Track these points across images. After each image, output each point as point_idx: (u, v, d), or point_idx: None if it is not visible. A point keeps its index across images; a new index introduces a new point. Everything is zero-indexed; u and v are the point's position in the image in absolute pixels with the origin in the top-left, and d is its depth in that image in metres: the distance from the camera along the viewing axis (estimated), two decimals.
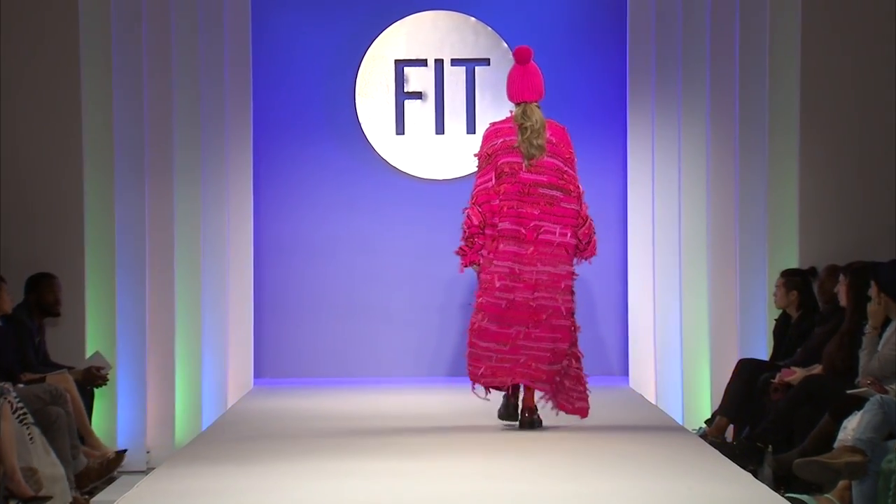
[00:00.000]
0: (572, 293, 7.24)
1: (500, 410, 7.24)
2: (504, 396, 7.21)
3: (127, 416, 8.43)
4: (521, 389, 7.17)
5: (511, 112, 7.32)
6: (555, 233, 7.19)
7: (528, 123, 7.22)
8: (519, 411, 7.16)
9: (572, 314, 7.23)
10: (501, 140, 7.28)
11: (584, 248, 7.29)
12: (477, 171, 7.34)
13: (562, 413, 7.12)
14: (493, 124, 7.41)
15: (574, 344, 7.20)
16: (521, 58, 7.31)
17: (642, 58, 9.48)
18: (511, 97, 7.32)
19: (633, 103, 9.63)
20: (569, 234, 7.21)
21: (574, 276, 7.26)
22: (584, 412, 7.13)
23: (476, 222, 7.21)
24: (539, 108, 7.28)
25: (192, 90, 8.94)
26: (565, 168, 7.27)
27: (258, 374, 9.88)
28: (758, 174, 8.55)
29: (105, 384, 7.55)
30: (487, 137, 7.35)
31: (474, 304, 7.19)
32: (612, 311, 10.18)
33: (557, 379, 7.15)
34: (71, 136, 8.15)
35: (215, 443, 6.74)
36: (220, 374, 9.17)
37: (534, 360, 7.09)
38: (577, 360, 7.21)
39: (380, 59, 10.20)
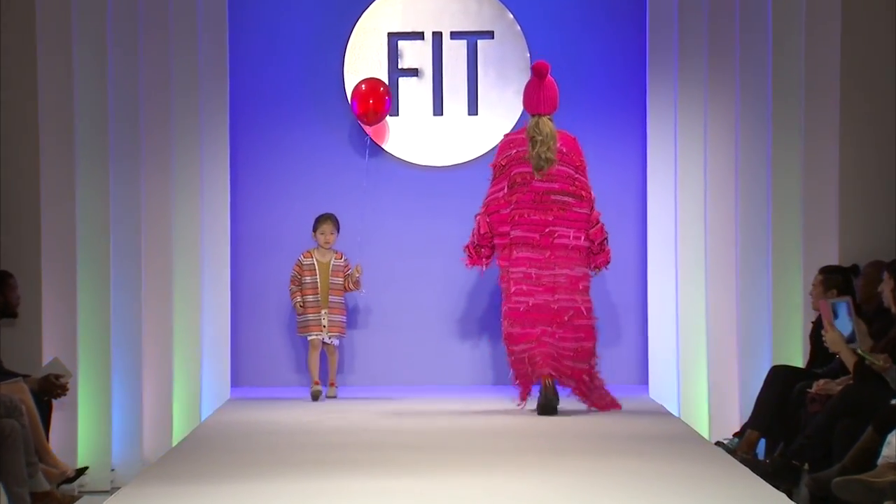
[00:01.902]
0: (589, 293, 8.56)
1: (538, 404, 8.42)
2: (540, 391, 8.42)
3: (89, 429, 8.42)
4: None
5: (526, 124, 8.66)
6: (569, 236, 8.50)
7: (540, 137, 8.51)
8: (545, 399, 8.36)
9: (592, 313, 8.53)
10: (515, 151, 8.59)
11: (596, 250, 8.51)
12: (491, 180, 8.69)
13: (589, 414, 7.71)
14: (506, 135, 8.82)
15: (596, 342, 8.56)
16: (539, 73, 8.62)
17: (664, 31, 9.47)
18: (527, 109, 8.70)
19: (653, 82, 9.62)
20: (582, 238, 8.52)
21: (590, 277, 8.60)
22: (617, 405, 8.57)
23: (482, 231, 8.61)
24: (551, 120, 8.60)
25: (161, 68, 8.92)
26: (576, 175, 8.57)
27: (235, 382, 9.92)
28: (792, 161, 8.53)
29: (64, 394, 7.54)
30: (502, 148, 8.72)
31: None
32: (630, 314, 10.19)
33: (586, 378, 8.49)
34: (26, 120, 8.11)
35: (187, 459, 6.76)
36: (193, 383, 9.17)
37: (561, 357, 8.42)
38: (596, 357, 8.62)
39: (371, 33, 10.18)
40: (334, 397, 9.28)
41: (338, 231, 9.41)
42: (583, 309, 8.42)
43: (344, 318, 9.41)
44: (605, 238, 8.60)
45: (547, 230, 8.45)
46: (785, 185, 8.55)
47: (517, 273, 8.44)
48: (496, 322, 10.21)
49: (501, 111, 10.20)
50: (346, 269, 9.39)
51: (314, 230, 9.40)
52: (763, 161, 8.71)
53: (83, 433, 8.35)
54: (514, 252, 8.47)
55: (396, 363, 10.20)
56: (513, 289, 8.41)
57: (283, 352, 10.17)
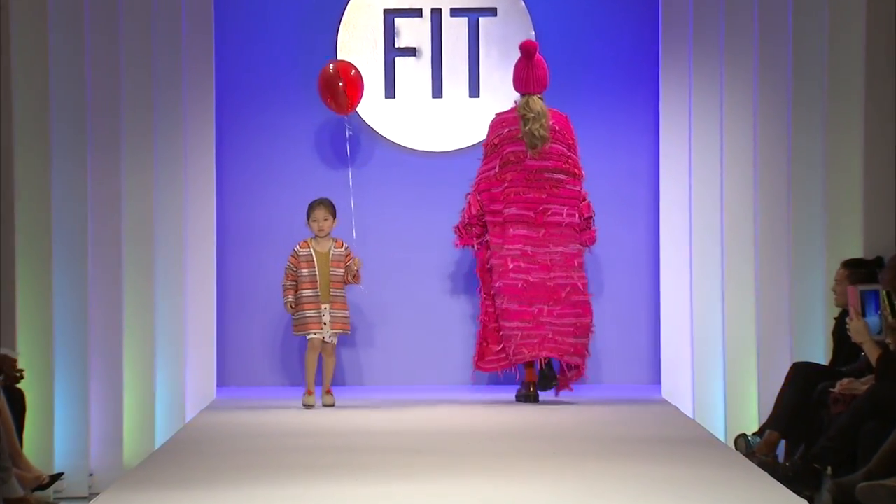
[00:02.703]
0: (584, 269, 9.14)
1: (518, 392, 9.18)
2: (521, 383, 9.18)
3: (66, 432, 8.41)
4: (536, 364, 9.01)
5: (515, 102, 9.12)
6: (562, 213, 9.07)
7: (531, 115, 9.02)
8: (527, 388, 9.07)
9: (587, 289, 9.09)
10: (507, 130, 9.08)
11: (582, 227, 9.10)
12: (482, 159, 9.16)
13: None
14: (498, 115, 9.20)
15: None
16: (527, 52, 9.08)
17: (677, 6, 9.45)
18: (516, 88, 9.13)
19: (665, 63, 9.60)
20: (576, 215, 9.08)
21: (583, 254, 9.16)
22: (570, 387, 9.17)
23: (474, 211, 9.10)
24: (541, 98, 9.08)
25: (143, 47, 8.89)
26: (569, 153, 9.10)
27: (221, 382, 9.90)
28: (814, 149, 8.50)
29: (22, 377, 7.53)
30: (493, 127, 9.18)
31: (489, 292, 9.14)
32: (641, 310, 10.17)
33: (588, 353, 9.09)
34: None
35: (170, 464, 6.76)
36: (176, 383, 9.16)
37: (559, 334, 8.97)
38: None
39: (366, 9, 10.16)
40: (331, 405, 8.81)
41: (334, 217, 8.93)
42: (579, 285, 9.02)
43: (348, 313, 8.94)
44: (592, 216, 9.17)
45: (541, 208, 9.03)
46: (806, 173, 8.53)
47: (514, 250, 9.02)
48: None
49: (504, 93, 10.15)
50: (348, 258, 8.91)
51: (307, 218, 8.94)
52: (783, 148, 8.69)
53: (60, 436, 8.34)
54: (510, 229, 9.05)
55: (392, 362, 10.19)
56: (510, 265, 8.99)
57: (272, 350, 10.16)
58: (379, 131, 10.22)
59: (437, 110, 10.21)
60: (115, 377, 8.69)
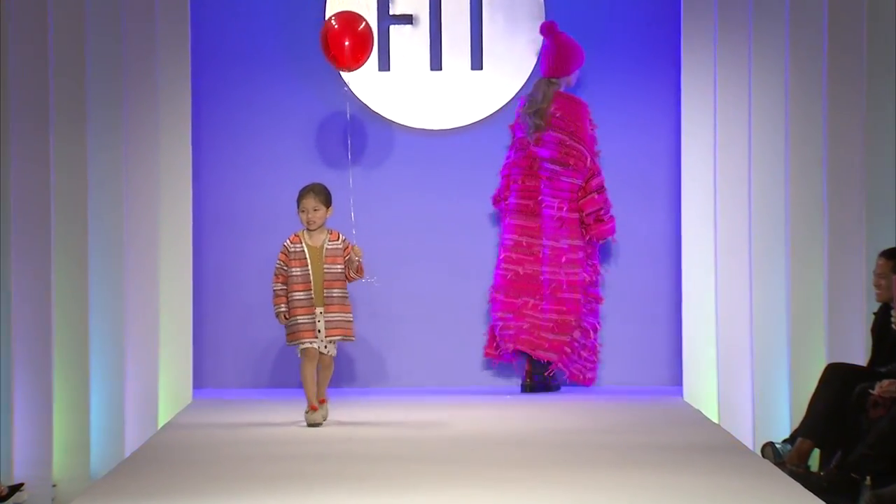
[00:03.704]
0: (580, 266, 9.61)
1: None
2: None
3: (27, 439, 8.40)
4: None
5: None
6: (554, 207, 9.61)
7: (532, 99, 9.67)
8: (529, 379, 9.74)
9: (580, 288, 9.62)
10: (521, 113, 9.83)
11: (588, 222, 9.59)
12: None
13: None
14: (523, 97, 9.90)
15: (589, 315, 9.73)
16: (543, 32, 9.74)
17: None
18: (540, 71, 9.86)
19: (688, 35, 9.58)
20: (565, 209, 9.58)
21: (579, 249, 9.62)
22: (590, 382, 9.83)
23: (494, 195, 9.95)
24: (554, 83, 9.71)
25: (110, 11, 8.87)
26: (570, 142, 9.57)
27: (199, 384, 9.91)
28: (852, 129, 8.49)
29: None
30: (518, 111, 9.86)
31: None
32: (661, 305, 10.18)
33: (568, 350, 9.62)
34: None
35: (141, 473, 6.76)
36: (149, 384, 9.16)
37: (538, 329, 9.60)
38: (594, 331, 9.80)
39: None
40: (324, 418, 8.33)
41: (327, 206, 8.30)
42: (564, 282, 9.59)
43: (349, 316, 8.29)
44: (601, 209, 9.64)
45: (539, 198, 9.67)
46: (843, 153, 8.50)
47: (508, 240, 9.72)
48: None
49: (510, 65, 10.17)
50: (346, 252, 8.29)
51: (297, 206, 8.34)
52: (817, 126, 8.67)
53: (20, 443, 8.34)
54: (507, 218, 9.77)
55: (390, 362, 10.20)
56: (501, 255, 9.73)
57: (254, 349, 10.17)
58: (371, 107, 10.22)
59: (435, 84, 10.20)
60: (80, 378, 8.67)
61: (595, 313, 9.89)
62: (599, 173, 9.75)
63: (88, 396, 8.72)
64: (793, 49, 8.77)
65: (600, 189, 9.71)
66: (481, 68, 10.16)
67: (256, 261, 9.91)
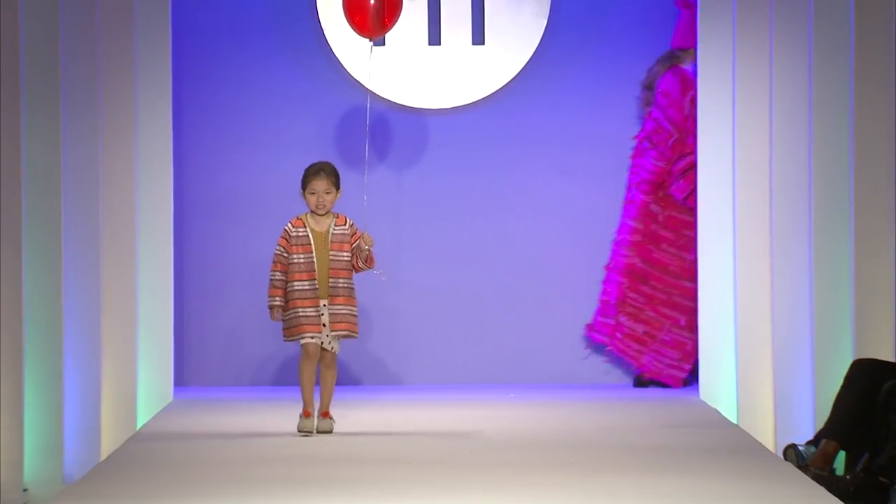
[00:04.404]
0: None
1: None
2: None
3: None
4: None
5: None
6: (631, 186, 10.31)
7: (650, 71, 10.13)
8: None
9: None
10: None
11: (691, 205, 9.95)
12: None
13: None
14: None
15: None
16: (679, 4, 9.99)
17: None
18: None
19: (705, 2, 9.56)
20: (642, 189, 10.16)
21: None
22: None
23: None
24: (677, 56, 10.12)
25: None
26: (663, 121, 10.04)
27: (180, 382, 9.93)
28: (882, 102, 8.45)
29: None
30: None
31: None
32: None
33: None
34: None
35: (118, 477, 6.77)
36: (126, 383, 9.15)
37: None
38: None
39: None
40: (328, 432, 7.96)
41: (338, 188, 8.04)
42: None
43: (355, 310, 8.03)
44: (689, 194, 10.06)
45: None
46: (873, 131, 8.46)
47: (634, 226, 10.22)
48: (508, 303, 10.18)
49: (513, 40, 10.16)
50: (355, 237, 8.03)
51: (303, 187, 8.05)
52: (844, 108, 8.64)
53: None
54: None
55: (389, 359, 10.19)
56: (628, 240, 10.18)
57: (240, 344, 10.19)
58: (367, 86, 10.18)
59: (434, 60, 10.21)
60: (54, 376, 8.64)
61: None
62: (685, 156, 9.91)
63: (62, 395, 8.69)
64: (817, 23, 8.73)
65: (684, 172, 9.89)
66: (483, 43, 10.15)
67: (243, 249, 9.91)
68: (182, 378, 10.02)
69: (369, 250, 7.99)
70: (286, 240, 8.00)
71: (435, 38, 10.20)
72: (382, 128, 10.22)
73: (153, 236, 9.43)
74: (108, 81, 9.06)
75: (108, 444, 8.83)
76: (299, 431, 7.92)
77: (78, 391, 8.85)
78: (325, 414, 7.98)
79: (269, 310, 7.96)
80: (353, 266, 8.00)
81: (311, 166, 8.09)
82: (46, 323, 8.62)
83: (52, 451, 8.59)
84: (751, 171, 9.24)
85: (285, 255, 7.98)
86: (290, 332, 7.97)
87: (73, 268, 8.82)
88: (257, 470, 6.78)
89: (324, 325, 7.93)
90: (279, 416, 8.65)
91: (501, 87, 10.13)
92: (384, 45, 10.18)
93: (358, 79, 10.19)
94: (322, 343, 7.94)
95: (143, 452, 7.52)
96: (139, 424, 8.98)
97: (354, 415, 8.74)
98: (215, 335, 10.18)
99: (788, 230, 8.98)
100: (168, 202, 9.51)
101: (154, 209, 9.42)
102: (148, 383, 9.35)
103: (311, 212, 8.05)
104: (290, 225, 8.04)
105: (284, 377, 10.06)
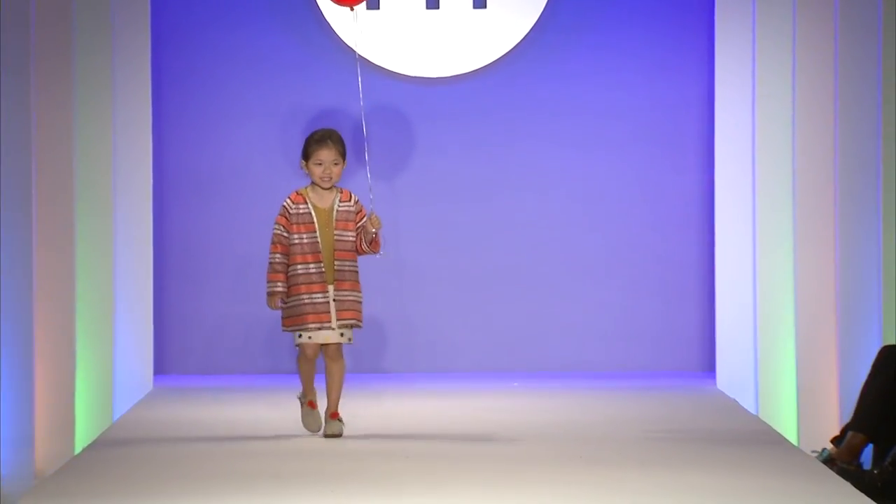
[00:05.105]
0: None
1: None
2: None
3: None
4: None
5: None
6: None
7: None
8: None
9: None
10: None
11: None
12: None
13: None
14: None
15: None
16: None
17: None
18: None
19: None
20: None
21: None
22: None
23: None
24: None
25: None
26: None
27: (160, 369, 9.96)
28: None
29: None
30: None
31: None
32: (690, 278, 10.24)
33: None
34: None
35: (94, 471, 6.77)
36: (103, 370, 9.14)
37: None
38: None
39: None
40: (338, 435, 7.52)
41: (344, 158, 7.66)
42: None
43: (360, 297, 7.60)
44: None
45: None
46: None
47: None
48: (512, 285, 10.19)
49: (517, 3, 10.15)
50: (360, 216, 7.62)
51: (305, 158, 7.61)
52: (872, 70, 8.63)
53: None
54: None
55: (385, 346, 10.22)
56: None
57: (224, 329, 10.22)
58: (361, 53, 10.16)
59: (432, 25, 10.20)
60: (24, 364, 8.64)
61: None
62: None
63: (33, 384, 8.69)
64: (843, 8, 8.72)
65: None
66: (485, 6, 10.14)
67: (228, 227, 9.91)
68: (162, 365, 10.06)
69: (376, 233, 7.59)
70: (286, 218, 7.57)
71: (433, 1, 10.18)
72: (376, 97, 10.20)
73: (131, 214, 9.43)
74: (83, 44, 9.04)
75: (82, 436, 8.82)
76: (305, 427, 7.60)
77: (51, 379, 8.84)
78: (333, 415, 7.55)
79: (268, 297, 7.54)
80: (357, 247, 7.63)
81: (315, 133, 7.67)
82: (16, 307, 8.61)
83: (22, 443, 8.59)
84: (772, 152, 9.24)
85: (285, 234, 7.55)
86: (290, 322, 7.55)
87: (45, 247, 8.81)
88: (243, 464, 6.77)
89: (330, 313, 7.49)
90: (267, 406, 8.65)
91: (505, 55, 10.12)
92: (378, 8, 10.16)
93: (350, 46, 10.16)
94: (330, 337, 7.51)
95: (120, 445, 7.52)
96: (116, 415, 8.97)
97: (347, 405, 8.72)
98: (198, 319, 10.20)
99: (811, 208, 8.97)
100: (147, 177, 9.52)
101: (132, 184, 9.42)
102: (126, 371, 9.34)
103: (312, 185, 7.63)
104: (289, 201, 7.60)
105: (272, 365, 10.07)
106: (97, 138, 9.15)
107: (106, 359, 9.16)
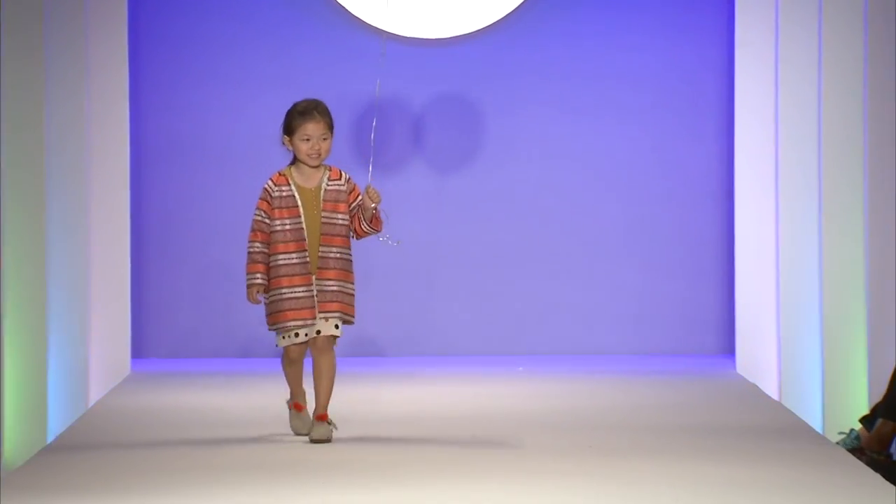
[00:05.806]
0: None
1: None
2: None
3: None
4: None
5: None
6: None
7: None
8: None
9: None
10: None
11: None
12: None
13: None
14: None
15: None
16: None
17: None
18: None
19: None
20: None
21: None
22: None
23: None
24: None
25: None
26: None
27: (138, 353, 9.99)
28: None
29: None
30: None
31: None
32: (708, 257, 10.28)
33: None
34: None
35: (66, 463, 6.77)
36: (77, 355, 9.14)
37: None
38: None
39: None
40: (326, 441, 7.16)
41: (332, 131, 7.30)
42: None
43: (351, 287, 7.27)
44: None
45: None
46: None
47: None
48: (517, 263, 10.18)
49: None
50: (353, 195, 7.28)
51: (289, 133, 7.26)
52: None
53: None
54: None
55: (380, 328, 10.29)
56: None
57: (204, 311, 10.26)
58: (354, 13, 10.19)
59: None
60: None
61: None
62: None
63: (2, 369, 8.68)
64: None
65: None
66: None
67: (210, 202, 9.91)
68: (140, 349, 10.08)
69: (376, 208, 7.24)
70: (267, 202, 7.22)
71: None
72: (372, 61, 10.18)
73: (107, 186, 9.43)
74: (55, 13, 9.02)
75: (55, 423, 8.82)
76: (293, 430, 7.35)
77: (22, 364, 8.84)
78: (320, 417, 7.22)
79: (247, 289, 7.20)
80: (354, 230, 7.30)
81: (298, 105, 7.31)
82: None
83: None
84: (796, 119, 9.24)
85: (267, 221, 7.22)
86: (272, 320, 7.25)
87: (15, 226, 8.81)
88: (224, 454, 6.79)
89: (315, 308, 7.18)
90: (249, 392, 8.71)
91: (511, 12, 10.10)
92: None
93: (345, 6, 10.17)
94: (319, 331, 7.18)
95: (95, 433, 7.54)
96: (91, 401, 8.99)
97: (339, 392, 8.70)
98: (177, 300, 10.23)
99: (837, 182, 8.95)
100: (124, 146, 9.53)
101: (108, 154, 9.42)
102: (101, 355, 9.36)
103: (296, 163, 7.29)
104: (270, 183, 7.26)
105: (254, 348, 10.09)
106: (71, 105, 9.14)
107: (80, 342, 9.17)
